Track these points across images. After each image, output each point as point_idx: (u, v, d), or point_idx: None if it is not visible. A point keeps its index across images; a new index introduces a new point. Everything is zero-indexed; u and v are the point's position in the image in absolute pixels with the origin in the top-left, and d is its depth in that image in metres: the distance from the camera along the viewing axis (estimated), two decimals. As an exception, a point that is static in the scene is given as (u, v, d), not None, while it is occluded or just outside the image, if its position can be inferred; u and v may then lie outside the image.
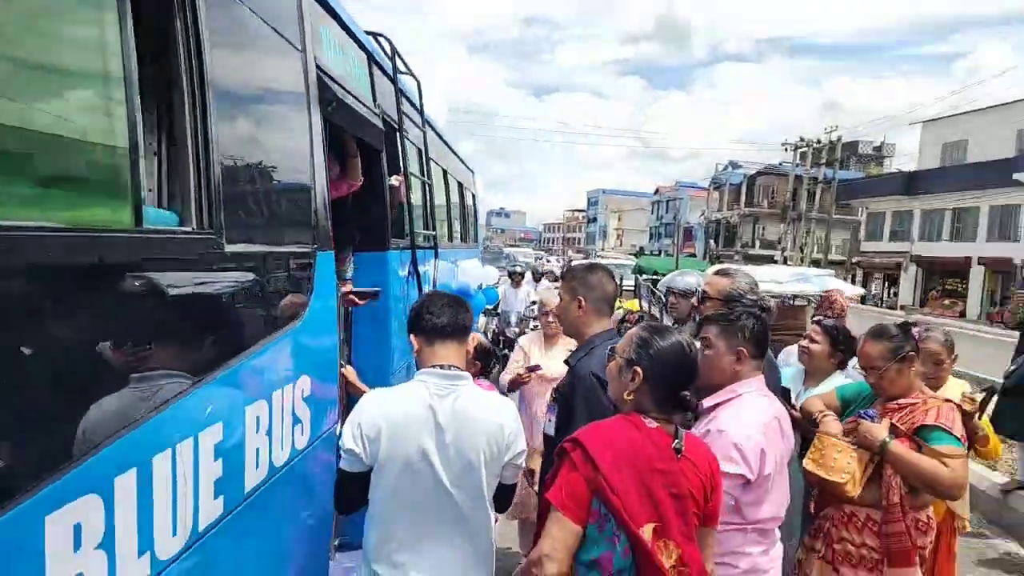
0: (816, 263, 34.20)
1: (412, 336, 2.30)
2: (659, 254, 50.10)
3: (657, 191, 79.11)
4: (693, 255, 50.00)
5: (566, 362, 2.65)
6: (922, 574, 2.73)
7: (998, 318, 27.77)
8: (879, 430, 2.65)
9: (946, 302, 33.18)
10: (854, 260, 39.71)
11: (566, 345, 3.79)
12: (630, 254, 48.92)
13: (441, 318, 2.25)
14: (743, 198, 52.75)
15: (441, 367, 2.19)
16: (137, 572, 1.32)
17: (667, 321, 4.96)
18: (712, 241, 52.60)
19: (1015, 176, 28.21)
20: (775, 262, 31.76)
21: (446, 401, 2.12)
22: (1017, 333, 6.32)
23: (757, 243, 49.24)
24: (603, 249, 66.55)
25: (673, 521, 1.81)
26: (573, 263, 7.41)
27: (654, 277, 13.50)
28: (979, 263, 31.74)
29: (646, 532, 1.77)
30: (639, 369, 1.93)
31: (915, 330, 2.88)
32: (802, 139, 39.10)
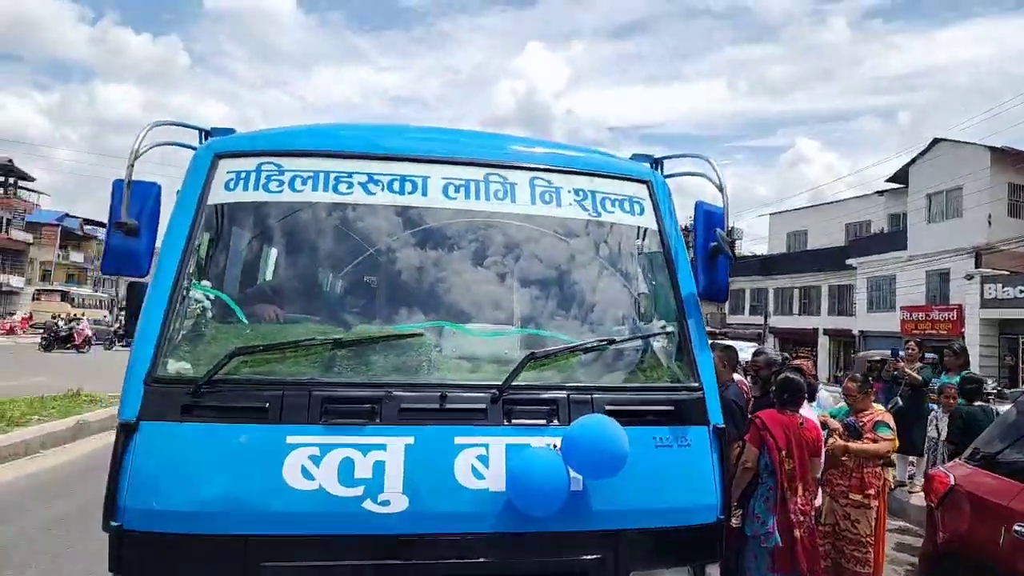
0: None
1: None
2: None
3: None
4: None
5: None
6: (877, 503, 5.29)
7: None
8: (839, 445, 5.16)
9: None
10: (721, 331, 44.73)
11: None
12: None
13: None
14: (620, 276, 57.44)
15: None
16: None
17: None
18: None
19: (848, 261, 33.99)
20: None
21: None
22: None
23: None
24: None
25: (794, 450, 4.17)
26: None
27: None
28: (824, 333, 36.70)
29: (780, 453, 4.14)
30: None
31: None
32: (673, 225, 44.28)
